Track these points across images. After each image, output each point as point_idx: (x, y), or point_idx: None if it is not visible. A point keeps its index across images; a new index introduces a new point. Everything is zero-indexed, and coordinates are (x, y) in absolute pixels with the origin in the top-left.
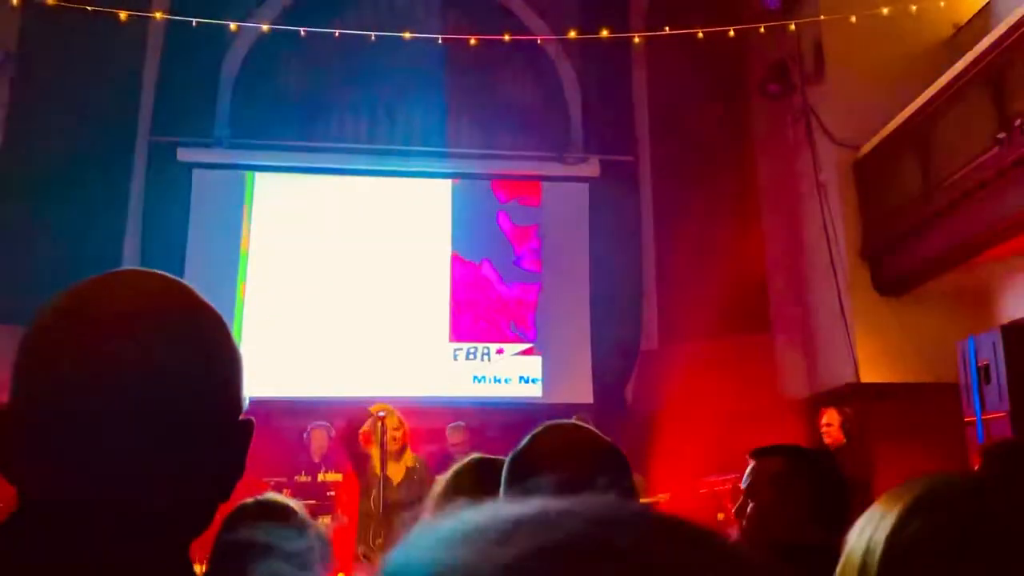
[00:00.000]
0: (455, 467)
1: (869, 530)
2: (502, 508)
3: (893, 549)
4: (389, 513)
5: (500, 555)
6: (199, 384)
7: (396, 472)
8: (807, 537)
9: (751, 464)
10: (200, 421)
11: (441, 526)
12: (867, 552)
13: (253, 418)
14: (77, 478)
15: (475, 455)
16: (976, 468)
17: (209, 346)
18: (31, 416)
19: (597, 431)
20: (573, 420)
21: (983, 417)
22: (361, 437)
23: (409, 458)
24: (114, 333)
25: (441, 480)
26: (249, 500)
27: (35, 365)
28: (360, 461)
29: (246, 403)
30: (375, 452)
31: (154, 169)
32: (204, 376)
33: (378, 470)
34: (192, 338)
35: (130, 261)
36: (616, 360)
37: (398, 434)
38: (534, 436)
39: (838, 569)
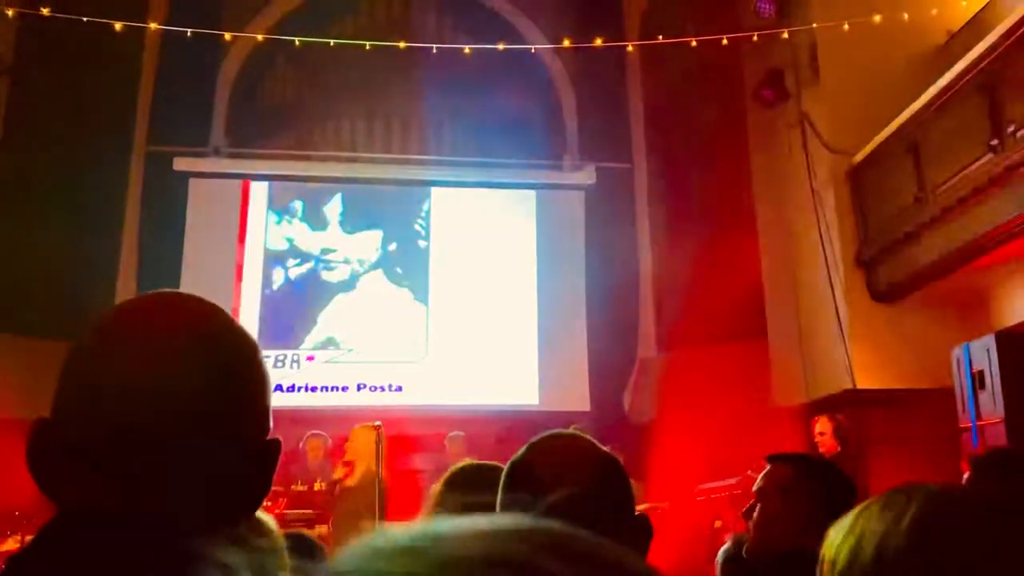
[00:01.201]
0: (448, 472)
1: (865, 529)
2: (421, 525)
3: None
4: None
5: (409, 567)
6: (230, 406)
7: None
8: (808, 544)
9: (766, 468)
10: (229, 441)
11: (364, 542)
12: (858, 549)
13: (280, 438)
14: (111, 492)
15: (467, 460)
16: (966, 477)
17: (240, 371)
18: (70, 431)
19: (594, 440)
20: (571, 430)
21: (978, 424)
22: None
23: (339, 472)
24: (152, 355)
25: (435, 486)
26: None
27: (76, 383)
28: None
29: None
30: (339, 463)
31: (151, 178)
32: (235, 399)
33: (335, 478)
34: (225, 362)
35: (127, 271)
36: (613, 367)
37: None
38: (532, 445)
39: (824, 559)
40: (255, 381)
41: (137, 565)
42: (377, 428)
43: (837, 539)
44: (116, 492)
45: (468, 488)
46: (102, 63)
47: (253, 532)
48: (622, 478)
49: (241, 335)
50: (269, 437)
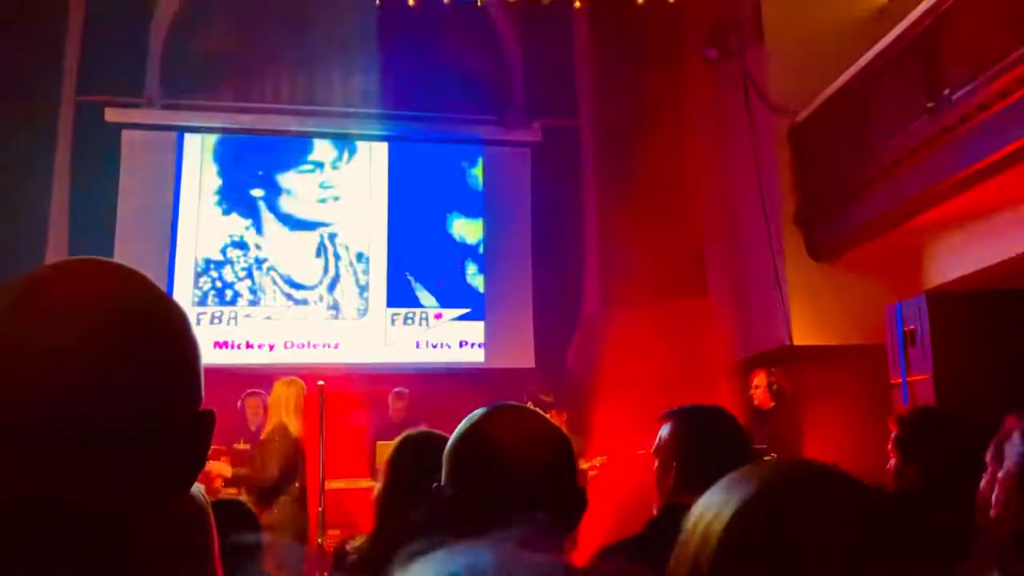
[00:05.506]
0: (397, 441)
1: (708, 517)
2: None
3: (729, 541)
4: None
5: None
6: (157, 377)
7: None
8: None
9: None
10: (158, 414)
11: None
12: (703, 541)
13: (214, 409)
14: (30, 476)
15: (416, 430)
16: (893, 436)
17: (168, 339)
18: None
19: (540, 412)
20: (529, 404)
21: (908, 380)
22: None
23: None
24: (70, 326)
25: (386, 454)
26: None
27: None
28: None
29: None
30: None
31: (81, 130)
32: (163, 369)
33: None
34: (151, 331)
35: (57, 227)
36: (558, 325)
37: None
38: (474, 424)
39: (673, 556)
40: (185, 352)
41: (65, 554)
42: (320, 388)
43: (691, 513)
44: (38, 475)
45: (418, 456)
46: (27, 7)
47: (185, 507)
48: (564, 452)
49: (169, 304)
50: (202, 409)
